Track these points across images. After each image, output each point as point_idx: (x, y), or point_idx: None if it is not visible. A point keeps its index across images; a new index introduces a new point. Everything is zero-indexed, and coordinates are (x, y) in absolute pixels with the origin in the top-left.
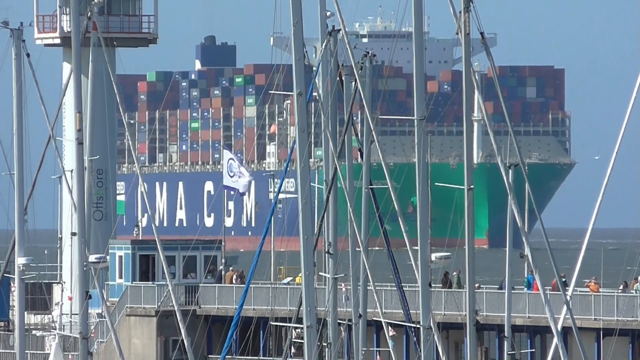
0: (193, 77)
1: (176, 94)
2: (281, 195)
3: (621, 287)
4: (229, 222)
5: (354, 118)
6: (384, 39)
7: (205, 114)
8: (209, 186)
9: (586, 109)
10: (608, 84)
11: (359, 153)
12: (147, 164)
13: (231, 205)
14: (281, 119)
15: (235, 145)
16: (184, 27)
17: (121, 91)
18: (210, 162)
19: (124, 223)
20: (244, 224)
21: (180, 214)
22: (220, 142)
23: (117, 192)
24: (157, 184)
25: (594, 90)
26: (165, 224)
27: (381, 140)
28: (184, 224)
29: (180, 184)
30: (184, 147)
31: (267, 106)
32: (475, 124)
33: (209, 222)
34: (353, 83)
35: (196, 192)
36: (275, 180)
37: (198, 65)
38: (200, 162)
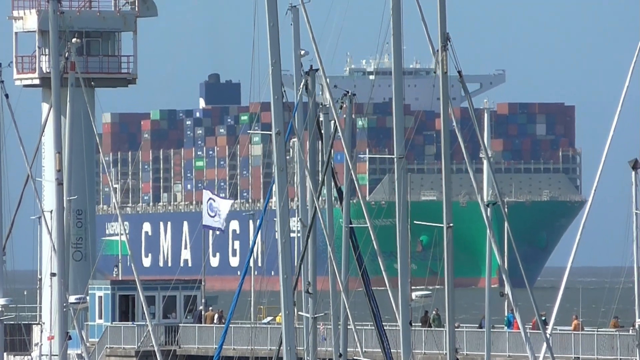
0: (197, 115)
1: (181, 133)
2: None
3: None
4: (234, 261)
5: (360, 156)
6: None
7: (211, 152)
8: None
9: (597, 146)
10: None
11: (367, 191)
12: (151, 204)
13: (237, 244)
14: (287, 157)
15: (241, 184)
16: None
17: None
18: None
19: (128, 263)
20: (250, 263)
21: (185, 254)
22: (225, 180)
23: (120, 232)
24: (162, 223)
25: (605, 127)
26: (169, 264)
27: (390, 177)
28: (189, 264)
29: (185, 223)
30: (188, 186)
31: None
32: (485, 162)
33: (214, 261)
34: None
35: (201, 232)
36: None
37: (202, 103)
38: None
